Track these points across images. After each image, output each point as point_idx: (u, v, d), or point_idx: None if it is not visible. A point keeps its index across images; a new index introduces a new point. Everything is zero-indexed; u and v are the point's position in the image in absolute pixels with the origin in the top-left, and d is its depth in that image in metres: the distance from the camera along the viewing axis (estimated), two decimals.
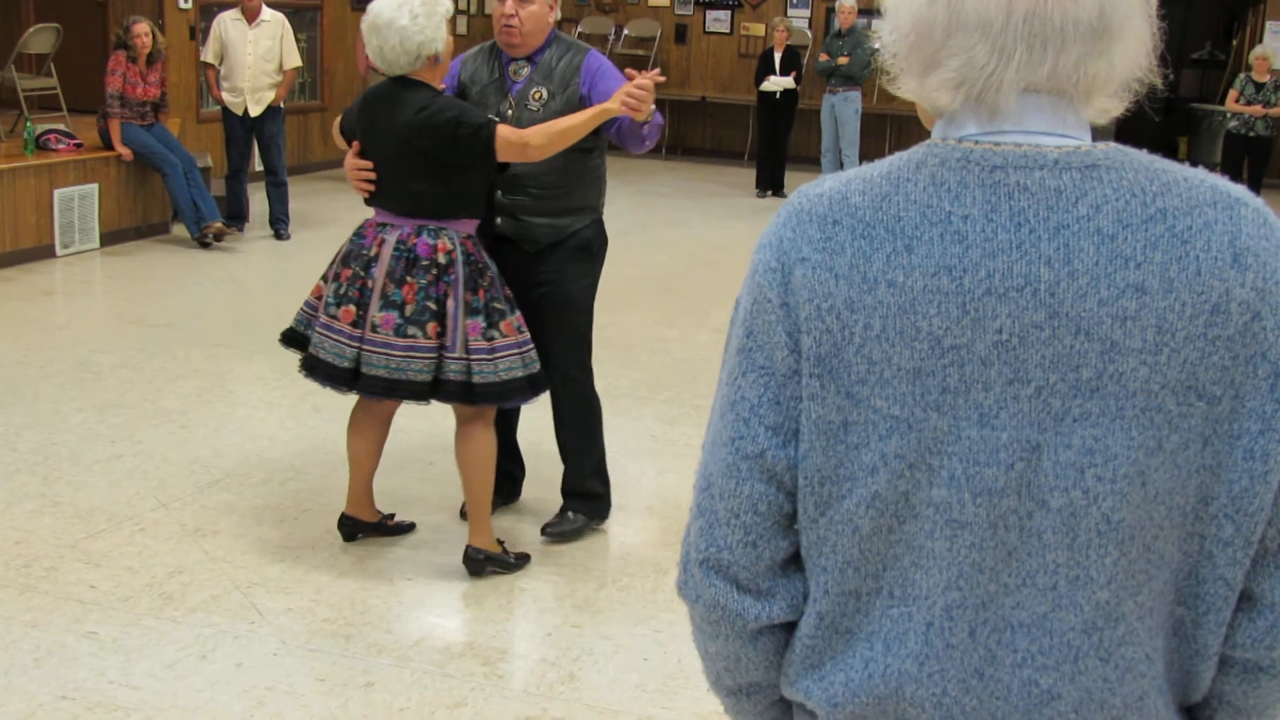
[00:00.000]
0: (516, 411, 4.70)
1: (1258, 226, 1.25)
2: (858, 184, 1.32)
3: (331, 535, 4.56)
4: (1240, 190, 1.27)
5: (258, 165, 10.21)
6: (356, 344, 4.04)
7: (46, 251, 8.86)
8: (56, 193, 8.89)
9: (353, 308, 4.05)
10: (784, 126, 13.23)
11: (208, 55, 9.72)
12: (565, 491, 4.66)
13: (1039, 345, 1.23)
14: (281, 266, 9.20)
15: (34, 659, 3.67)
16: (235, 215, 9.91)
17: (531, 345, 4.15)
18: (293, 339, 4.31)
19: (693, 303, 8.36)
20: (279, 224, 9.95)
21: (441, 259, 4.01)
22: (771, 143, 13.28)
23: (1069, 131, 1.29)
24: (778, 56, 13.04)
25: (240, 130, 9.75)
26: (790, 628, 1.41)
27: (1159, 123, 13.07)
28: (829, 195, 1.33)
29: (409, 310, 3.98)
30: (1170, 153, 1.61)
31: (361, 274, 4.06)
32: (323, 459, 5.28)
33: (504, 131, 3.98)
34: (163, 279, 8.56)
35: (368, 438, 4.36)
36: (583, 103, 4.23)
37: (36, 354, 6.66)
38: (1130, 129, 1.28)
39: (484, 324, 4.03)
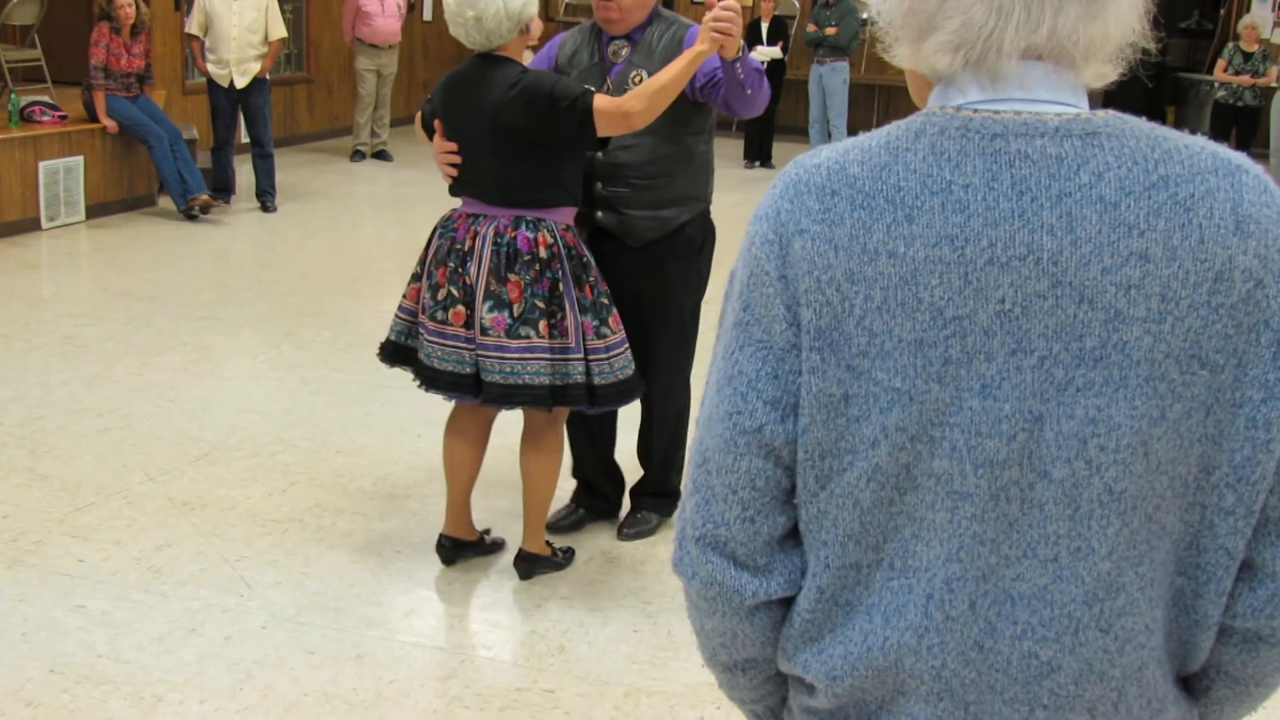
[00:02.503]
0: (613, 427, 4.48)
1: (1259, 193, 1.23)
2: (855, 154, 1.30)
3: (320, 508, 4.56)
4: (1240, 157, 1.26)
5: (244, 137, 10.16)
6: (474, 347, 3.76)
7: (31, 224, 8.81)
8: (41, 165, 8.84)
9: (462, 308, 3.76)
10: (771, 97, 13.19)
11: (192, 27, 9.65)
12: (642, 491, 4.50)
13: (1042, 315, 1.22)
14: (268, 239, 9.17)
15: (22, 633, 3.66)
16: (221, 187, 9.86)
17: (629, 343, 3.94)
18: (395, 352, 4.00)
19: None
20: (265, 196, 9.90)
21: (543, 253, 3.74)
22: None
23: (1068, 99, 1.27)
24: (764, 27, 12.99)
25: (226, 102, 9.69)
26: (787, 603, 1.40)
27: (1147, 92, 13.04)
28: (826, 165, 1.31)
29: (518, 309, 3.71)
30: (1158, 123, 1.60)
31: (460, 271, 3.76)
32: (310, 432, 5.27)
33: (600, 102, 3.68)
34: (149, 251, 8.52)
35: (469, 441, 4.05)
36: (688, 84, 3.89)
37: (22, 327, 6.63)
38: (1116, 99, 1.28)
39: (595, 322, 3.80)
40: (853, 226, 1.26)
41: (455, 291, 3.77)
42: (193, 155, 9.56)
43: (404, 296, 3.98)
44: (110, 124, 9.15)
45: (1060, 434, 1.23)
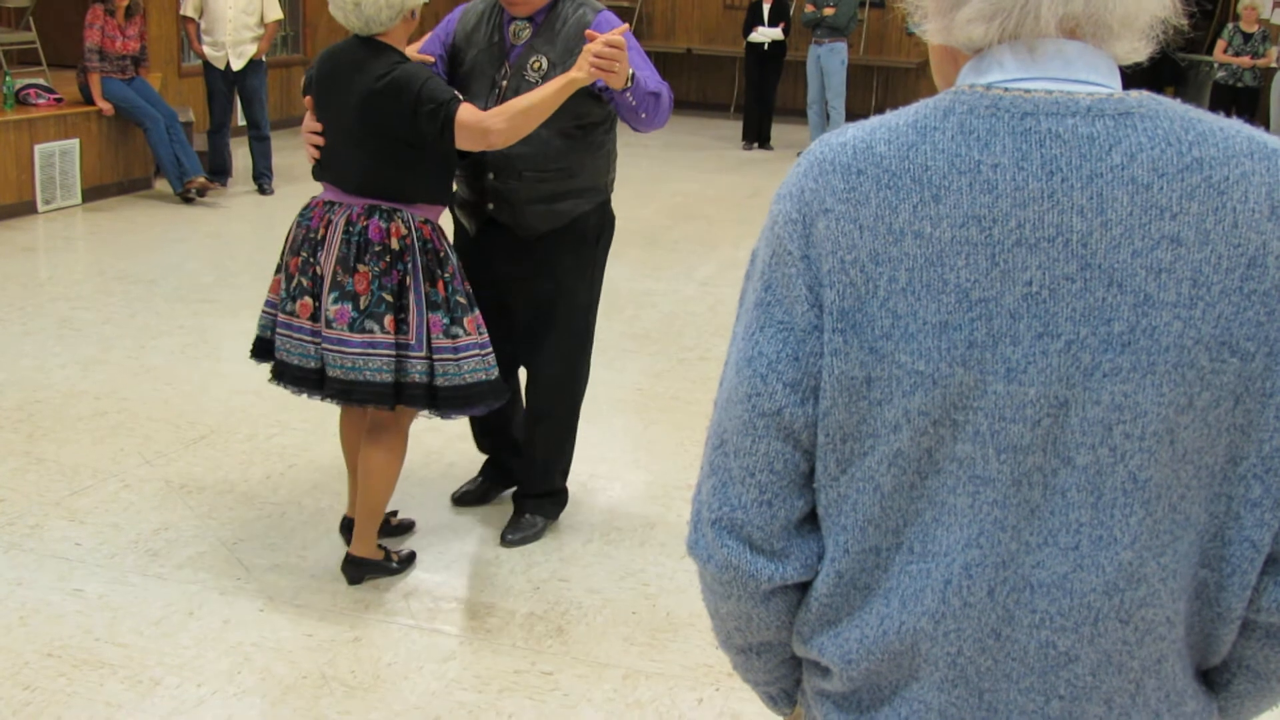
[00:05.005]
0: (518, 402, 4.33)
1: None
2: (882, 132, 1.28)
3: (318, 491, 4.55)
4: (1277, 141, 1.24)
5: (240, 120, 10.14)
6: (319, 341, 3.65)
7: (28, 207, 8.79)
8: (37, 148, 8.82)
9: (309, 300, 3.65)
10: (771, 78, 13.16)
11: (187, 9, 9.61)
12: (525, 494, 4.32)
13: (1070, 298, 1.20)
14: (265, 221, 9.14)
15: (19, 617, 3.66)
16: (218, 170, 9.86)
17: (491, 348, 3.77)
18: (260, 348, 3.89)
19: (679, 256, 8.34)
20: (262, 179, 9.90)
21: (395, 244, 3.60)
22: (759, 95, 13.22)
23: (1101, 79, 1.25)
24: (766, 8, 12.96)
25: (222, 84, 9.67)
26: (803, 587, 1.39)
27: (1146, 74, 13.00)
28: (852, 144, 1.28)
29: (364, 302, 3.58)
30: None
31: (311, 260, 3.66)
32: (307, 414, 5.26)
33: (464, 114, 3.54)
34: (145, 235, 8.51)
35: (361, 428, 3.93)
36: None
37: (19, 310, 6.62)
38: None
39: (446, 320, 3.64)
40: (878, 206, 1.24)
41: (305, 282, 3.66)
42: (189, 138, 9.55)
43: (270, 289, 3.86)
44: (106, 107, 9.13)
45: (1085, 420, 1.21)
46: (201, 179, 9.36)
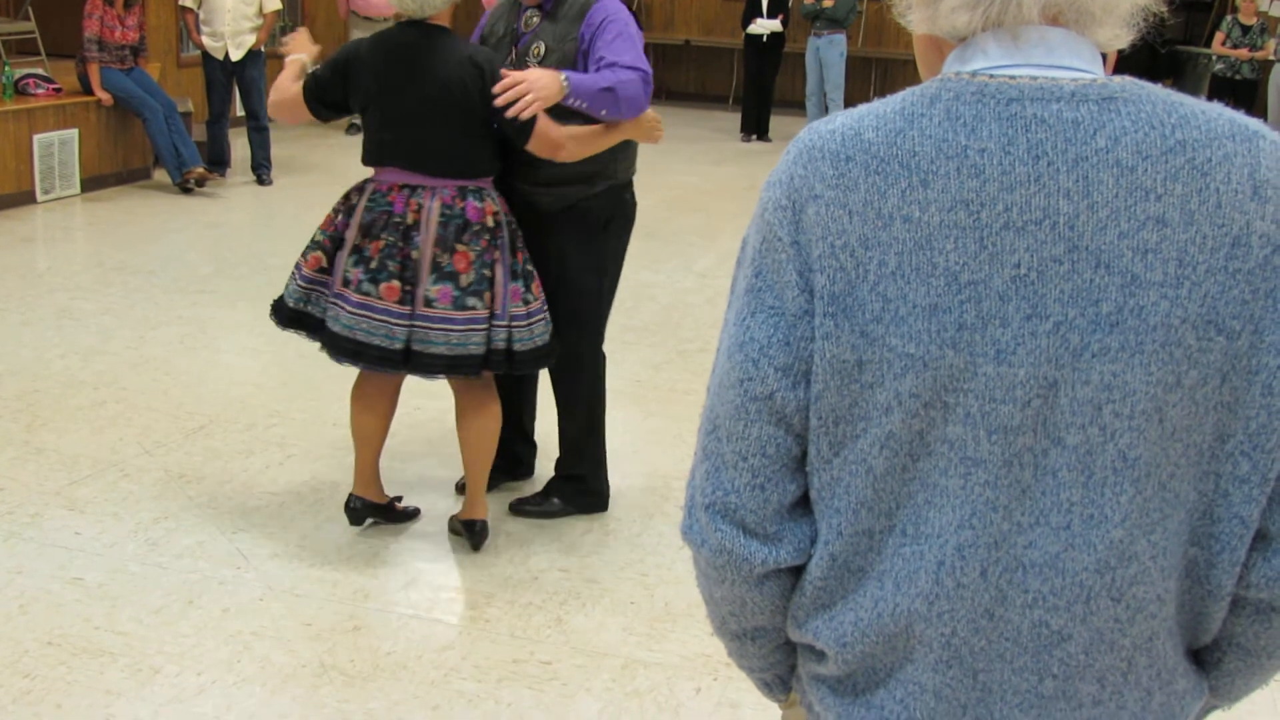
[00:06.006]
0: (533, 392, 4.51)
1: (1276, 159, 1.23)
2: (870, 119, 1.29)
3: (317, 481, 4.56)
4: (1258, 124, 1.26)
5: (239, 110, 10.13)
6: (407, 322, 3.74)
7: (26, 197, 8.79)
8: (36, 138, 8.82)
9: (397, 283, 3.73)
10: (770, 70, 13.15)
11: None
12: (557, 472, 4.41)
13: (1058, 279, 1.21)
14: (264, 212, 9.14)
15: (19, 605, 3.67)
16: (217, 160, 9.85)
17: (548, 310, 3.98)
18: (293, 318, 3.96)
19: (678, 248, 8.34)
20: (261, 169, 9.89)
21: (490, 222, 3.78)
22: (757, 86, 13.21)
23: (1084, 65, 1.27)
24: (765, 0, 12.94)
25: (221, 75, 9.67)
26: (796, 571, 1.40)
27: (1144, 65, 13.01)
28: (841, 131, 1.30)
29: (464, 280, 3.72)
30: None
31: (401, 244, 3.74)
32: (306, 404, 5.27)
33: (543, 124, 3.74)
34: (144, 225, 8.50)
35: (377, 413, 4.05)
36: (581, 60, 3.88)
37: (18, 301, 6.62)
38: (1115, 71, 1.28)
39: (523, 288, 3.84)
40: (867, 192, 1.26)
41: (392, 266, 3.74)
42: (188, 128, 9.54)
43: (303, 263, 3.91)
44: (105, 97, 9.12)
45: (1075, 400, 1.22)
46: (200, 169, 9.35)
